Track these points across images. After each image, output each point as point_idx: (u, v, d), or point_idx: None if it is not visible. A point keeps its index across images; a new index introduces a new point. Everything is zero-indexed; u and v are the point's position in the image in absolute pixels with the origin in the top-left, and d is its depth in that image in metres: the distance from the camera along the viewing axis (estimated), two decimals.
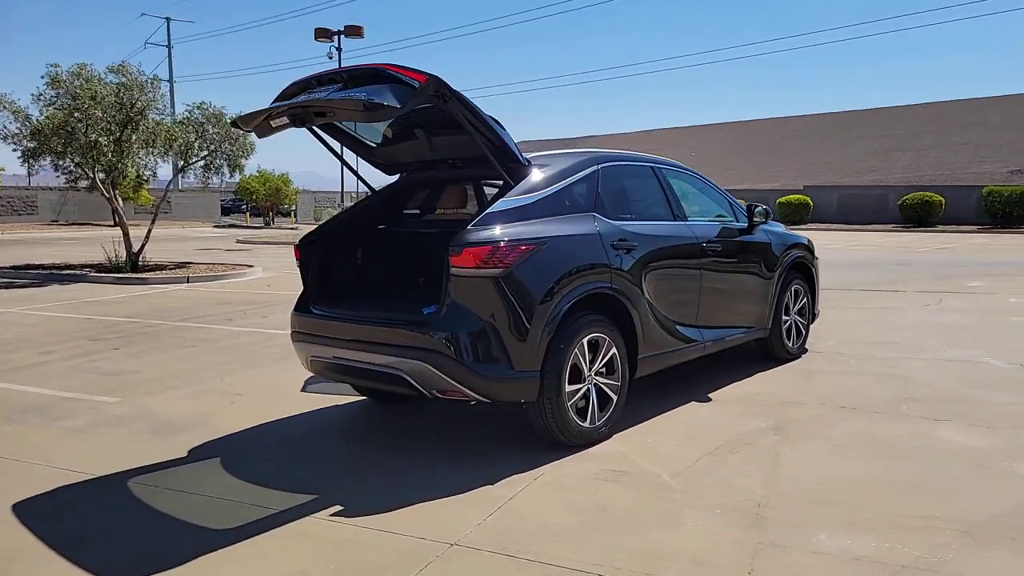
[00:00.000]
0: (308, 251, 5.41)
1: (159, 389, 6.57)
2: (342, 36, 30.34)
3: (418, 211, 5.95)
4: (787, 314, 7.08)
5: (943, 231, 31.84)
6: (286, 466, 4.71)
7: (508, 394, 4.48)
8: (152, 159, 17.85)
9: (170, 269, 16.47)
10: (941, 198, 34.07)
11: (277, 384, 6.69)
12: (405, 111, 4.18)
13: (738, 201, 6.93)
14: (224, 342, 8.69)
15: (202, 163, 18.11)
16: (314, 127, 5.16)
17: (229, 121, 5.23)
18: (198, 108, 17.29)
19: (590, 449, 4.81)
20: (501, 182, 5.06)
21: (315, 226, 5.66)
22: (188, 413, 5.83)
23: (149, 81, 16.52)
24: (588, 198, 5.14)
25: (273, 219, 48.14)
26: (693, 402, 5.86)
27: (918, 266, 16.70)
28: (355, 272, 5.67)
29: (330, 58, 31.07)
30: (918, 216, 33.82)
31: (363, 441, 5.20)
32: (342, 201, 34.32)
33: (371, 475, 4.52)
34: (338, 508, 4.01)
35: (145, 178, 19.67)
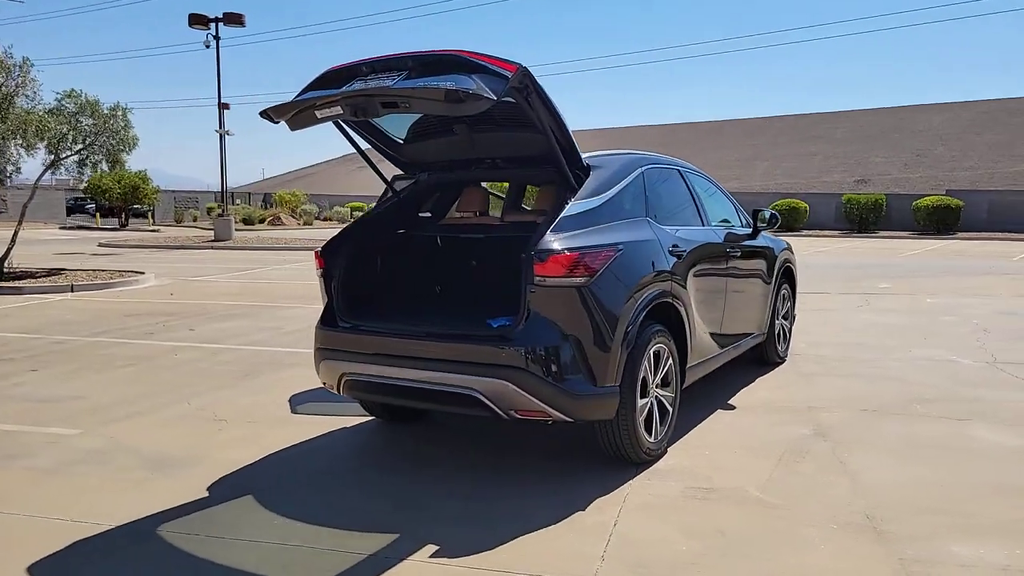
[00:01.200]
0: (333, 259, 4.86)
1: (121, 416, 5.74)
2: (220, 24, 28.44)
3: (448, 215, 5.53)
4: (777, 318, 7.16)
5: (808, 235, 34.10)
6: (332, 500, 4.17)
7: (591, 412, 4.17)
8: (16, 152, 16.06)
9: (42, 277, 14.78)
10: (806, 204, 36.53)
11: (260, 406, 6.02)
12: (490, 103, 3.79)
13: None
14: (163, 360, 7.78)
15: (76, 157, 16.47)
16: (342, 122, 4.65)
17: (259, 112, 4.40)
18: (68, 97, 15.69)
19: (655, 466, 4.58)
20: (553, 184, 4.74)
21: (338, 230, 5.10)
22: (175, 444, 5.10)
23: (17, 64, 14.79)
24: (639, 202, 4.92)
25: (127, 220, 44.71)
26: (719, 411, 5.77)
27: (816, 268, 17.67)
28: (384, 281, 5.16)
29: (207, 46, 29.05)
30: (786, 221, 36.04)
31: (401, 467, 4.72)
32: (223, 202, 32.20)
33: (436, 505, 4.07)
34: (433, 548, 3.56)
35: (8, 173, 17.60)
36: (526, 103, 4.07)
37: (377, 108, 3.96)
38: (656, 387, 4.68)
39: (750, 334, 6.46)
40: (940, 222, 32.89)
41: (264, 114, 4.34)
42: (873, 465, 4.57)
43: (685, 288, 4.98)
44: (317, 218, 45.72)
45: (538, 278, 4.03)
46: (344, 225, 5.15)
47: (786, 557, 3.45)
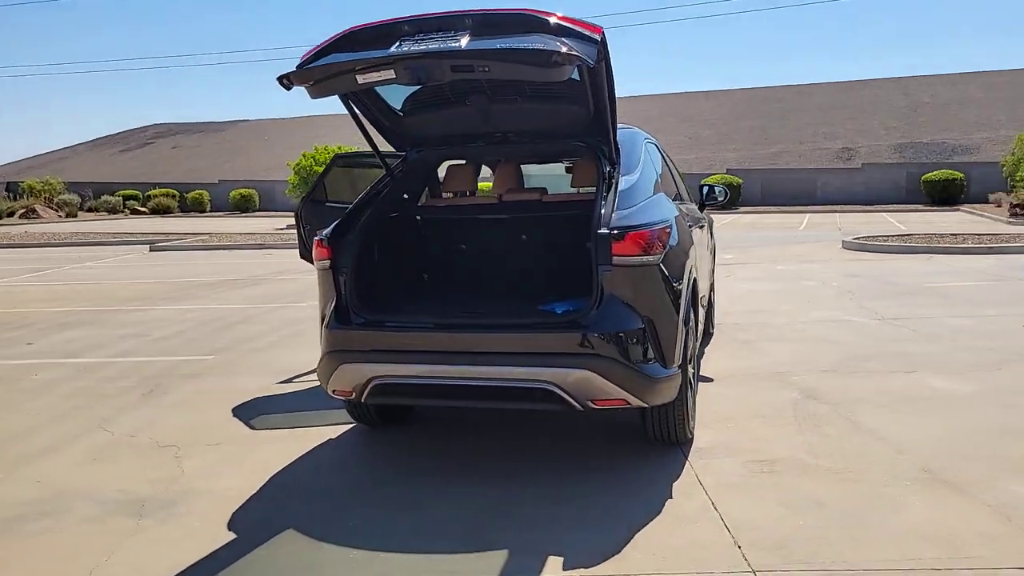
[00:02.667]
0: (342, 247, 4.24)
1: (33, 454, 4.68)
2: None
3: (454, 194, 5.04)
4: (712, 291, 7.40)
5: None
6: (395, 520, 3.66)
7: (664, 395, 3.98)
8: None
9: None
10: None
11: (202, 426, 5.19)
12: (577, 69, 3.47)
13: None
14: (24, 383, 6.48)
15: None
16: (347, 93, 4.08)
17: (277, 77, 3.62)
18: None
19: (694, 445, 4.51)
20: (577, 159, 4.47)
21: (343, 216, 4.43)
22: (135, 481, 4.24)
23: None
24: (653, 176, 4.80)
25: None
26: (700, 383, 5.83)
27: None
28: (397, 269, 4.61)
29: None
30: None
31: (438, 473, 4.24)
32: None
33: (526, 512, 3.71)
34: (558, 559, 3.22)
35: None
36: (591, 70, 3.77)
37: (445, 71, 3.48)
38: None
39: (706, 306, 6.60)
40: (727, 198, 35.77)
41: (283, 78, 3.66)
42: (882, 422, 4.82)
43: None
44: (81, 209, 40.62)
45: (616, 258, 3.77)
46: (349, 208, 4.49)
47: (893, 519, 3.51)
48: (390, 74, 3.50)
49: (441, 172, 5.35)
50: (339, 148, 29.38)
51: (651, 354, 3.85)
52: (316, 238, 4.31)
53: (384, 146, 4.81)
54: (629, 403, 3.86)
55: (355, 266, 4.22)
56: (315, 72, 3.59)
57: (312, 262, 6.30)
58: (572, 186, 5.02)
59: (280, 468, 4.36)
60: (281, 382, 6.29)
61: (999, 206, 26.48)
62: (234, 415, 5.42)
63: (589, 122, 4.18)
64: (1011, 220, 22.37)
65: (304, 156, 30.00)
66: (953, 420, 4.84)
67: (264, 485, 4.13)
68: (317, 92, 3.73)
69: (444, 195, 5.17)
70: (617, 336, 3.74)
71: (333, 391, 4.26)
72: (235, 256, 17.76)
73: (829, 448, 4.40)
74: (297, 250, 6.44)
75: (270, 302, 10.52)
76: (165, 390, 6.11)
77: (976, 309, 8.46)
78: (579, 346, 3.74)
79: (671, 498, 3.80)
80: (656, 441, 4.40)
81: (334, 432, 4.96)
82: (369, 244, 4.40)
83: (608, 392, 3.78)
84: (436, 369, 3.90)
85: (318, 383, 6.28)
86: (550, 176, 7.00)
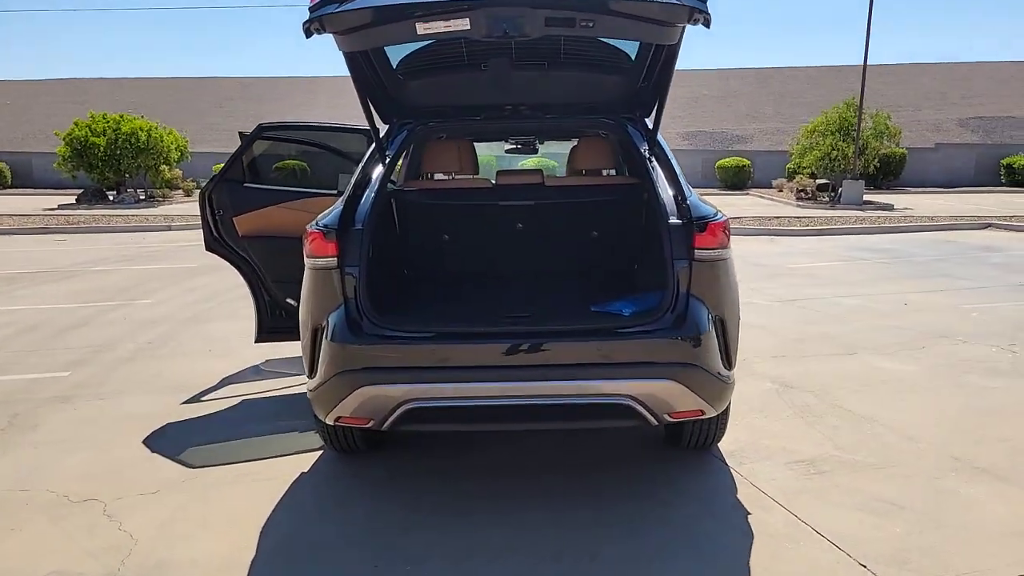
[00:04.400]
0: (350, 240, 3.40)
1: None
2: None
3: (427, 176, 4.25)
4: None
5: None
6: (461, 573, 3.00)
7: (728, 401, 3.62)
8: None
9: None
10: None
11: (115, 468, 4.13)
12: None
13: None
14: None
15: None
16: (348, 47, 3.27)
17: (304, 22, 2.59)
18: None
19: (722, 448, 4.23)
20: (600, 138, 3.96)
21: (340, 207, 3.53)
22: (72, 558, 3.22)
23: None
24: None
25: None
26: None
27: None
28: (407, 267, 3.82)
29: None
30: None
31: (461, 510, 3.58)
32: None
33: (598, 558, 3.19)
34: None
35: None
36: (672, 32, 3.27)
37: (538, 24, 2.82)
38: None
39: None
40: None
41: (312, 23, 2.78)
42: (871, 408, 4.83)
43: None
44: None
45: (698, 251, 3.33)
46: (341, 196, 3.60)
47: (974, 517, 3.45)
48: (464, 24, 2.78)
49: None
50: (120, 117, 26.00)
51: (728, 358, 3.47)
52: (313, 229, 3.44)
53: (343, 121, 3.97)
54: (703, 414, 3.46)
55: (366, 264, 3.42)
56: (358, 16, 2.78)
57: (221, 253, 5.27)
58: (576, 168, 4.49)
59: (260, 520, 3.48)
60: (186, 402, 5.18)
61: (781, 191, 29.24)
62: (152, 450, 4.33)
63: (631, 95, 3.69)
64: (798, 203, 24.73)
65: (77, 124, 26.08)
66: (928, 403, 4.95)
67: (258, 548, 3.25)
68: (353, 43, 2.90)
69: (426, 177, 4.43)
70: (698, 339, 3.31)
71: (338, 420, 3.44)
72: (13, 243, 14.98)
73: (850, 441, 4.30)
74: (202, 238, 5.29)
75: (100, 300, 8.87)
76: (31, 422, 4.80)
77: (853, 289, 9.03)
78: (663, 353, 3.26)
79: (750, 513, 3.47)
80: (689, 448, 4.06)
81: (298, 465, 4.09)
82: (376, 236, 3.61)
83: (688, 403, 3.35)
84: (492, 388, 3.24)
85: (231, 399, 5.36)
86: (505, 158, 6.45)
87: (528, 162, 16.89)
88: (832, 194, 24.43)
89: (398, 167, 4.62)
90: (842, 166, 25.08)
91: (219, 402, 5.17)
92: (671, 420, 3.39)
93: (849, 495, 3.64)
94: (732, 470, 3.94)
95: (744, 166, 33.53)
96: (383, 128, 4.11)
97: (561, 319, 3.44)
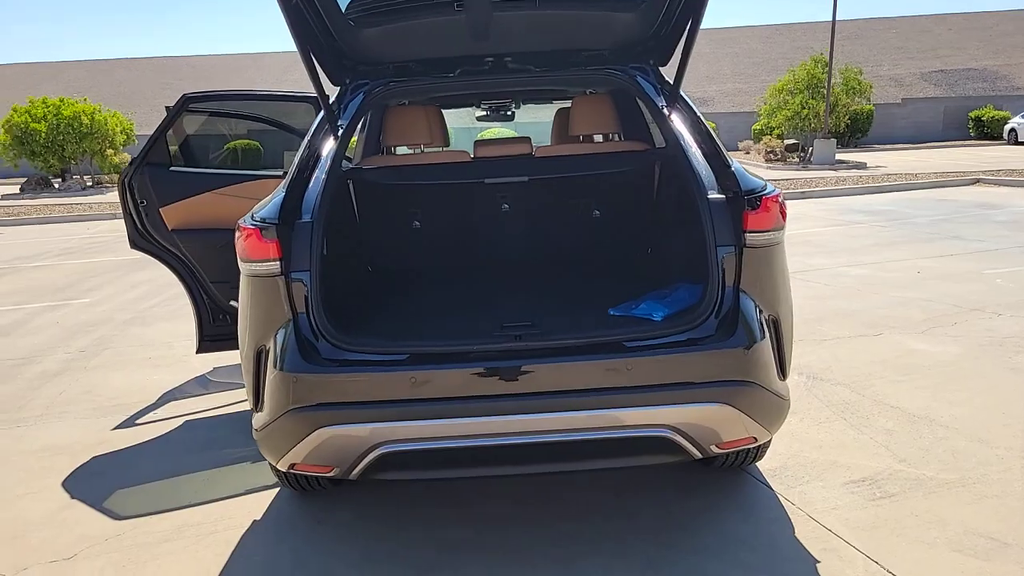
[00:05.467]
0: (296, 237, 2.60)
1: None
2: None
3: (389, 150, 3.43)
4: None
5: None
6: None
7: (783, 423, 2.90)
8: None
9: None
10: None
11: (27, 521, 3.29)
12: None
13: None
14: None
15: None
16: None
17: None
18: None
19: (763, 464, 3.53)
20: (605, 97, 3.18)
21: (281, 194, 2.71)
22: None
23: None
24: None
25: None
26: None
27: None
28: (371, 266, 3.03)
29: None
30: None
31: (477, 558, 2.84)
32: None
33: None
34: None
35: None
36: None
37: None
38: None
39: None
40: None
41: None
42: (919, 402, 4.17)
43: None
44: None
45: (749, 235, 2.59)
46: (265, 180, 2.76)
47: None
48: None
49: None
50: (61, 101, 24.53)
51: (779, 367, 2.74)
52: (247, 225, 2.62)
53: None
54: (757, 441, 2.74)
55: (319, 266, 2.62)
56: None
57: (149, 251, 4.41)
58: (570, 134, 3.70)
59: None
60: (118, 427, 4.36)
61: (748, 153, 28.66)
62: (72, 496, 3.53)
63: (646, 38, 2.91)
64: (768, 165, 24.15)
65: (15, 111, 24.50)
66: (984, 393, 4.31)
67: None
68: None
69: (388, 151, 3.62)
70: (753, 349, 2.58)
71: (292, 467, 2.67)
72: None
73: (912, 449, 3.63)
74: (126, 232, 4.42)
75: (32, 301, 7.93)
76: None
77: (857, 257, 8.39)
78: (709, 369, 2.53)
79: (819, 561, 2.77)
80: (723, 468, 3.36)
81: (250, 509, 3.31)
82: (331, 229, 2.81)
83: (740, 431, 2.63)
84: (490, 424, 2.48)
85: (171, 421, 4.55)
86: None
87: (496, 132, 15.91)
88: (802, 154, 23.88)
89: (353, 141, 3.81)
90: (813, 124, 24.54)
91: (157, 426, 4.36)
92: (717, 452, 2.67)
93: (935, 528, 2.96)
94: (780, 497, 3.24)
95: (712, 128, 32.96)
96: (334, 93, 3.28)
97: (573, 329, 2.68)
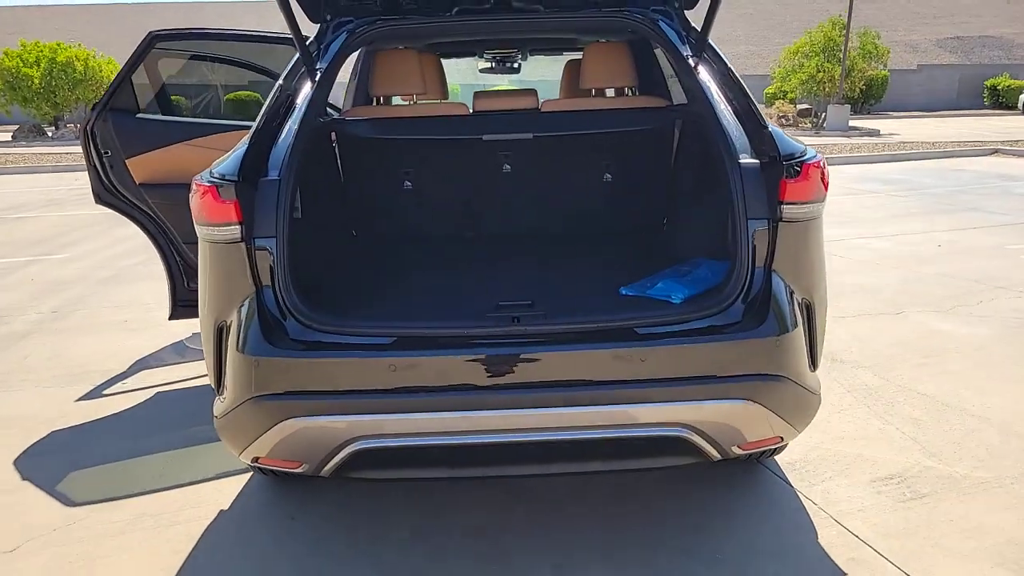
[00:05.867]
0: (260, 198, 2.26)
1: None
2: None
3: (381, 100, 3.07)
4: None
5: None
6: None
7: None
8: None
9: None
10: None
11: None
12: None
13: None
14: None
15: None
16: None
17: None
18: None
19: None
20: (621, 44, 2.79)
21: (243, 147, 2.34)
22: None
23: None
24: None
25: None
26: None
27: None
28: (334, 232, 2.69)
29: None
30: None
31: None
32: None
33: None
34: None
35: None
36: None
37: None
38: None
39: None
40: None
41: None
42: (947, 388, 3.86)
43: None
44: None
45: (787, 206, 2.24)
46: (246, 132, 2.37)
47: None
48: None
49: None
50: (56, 45, 23.87)
51: (810, 357, 2.41)
52: (203, 182, 2.27)
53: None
54: (783, 440, 2.43)
55: (288, 231, 2.27)
56: None
57: (116, 206, 4.06)
58: (581, 86, 3.31)
59: None
60: (82, 398, 4.05)
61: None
62: (22, 477, 3.23)
63: None
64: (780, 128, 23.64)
65: (7, 54, 23.83)
66: (1017, 380, 3.99)
67: None
68: None
69: (378, 102, 3.25)
70: (787, 340, 2.24)
71: (255, 460, 2.36)
72: None
73: (942, 443, 3.32)
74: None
75: (9, 254, 7.60)
76: None
77: (874, 228, 8.02)
78: (734, 361, 2.19)
79: (846, 574, 2.47)
80: (738, 460, 3.05)
81: (218, 497, 3.01)
82: (307, 188, 2.46)
83: (765, 430, 2.32)
84: (482, 419, 2.16)
85: (141, 392, 4.25)
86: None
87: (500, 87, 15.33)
88: (815, 119, 23.28)
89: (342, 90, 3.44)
90: (827, 89, 23.89)
91: (125, 397, 4.05)
92: (740, 453, 2.35)
93: (973, 537, 2.66)
94: (801, 495, 2.94)
95: None
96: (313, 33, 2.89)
97: (579, 311, 2.34)
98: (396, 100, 3.69)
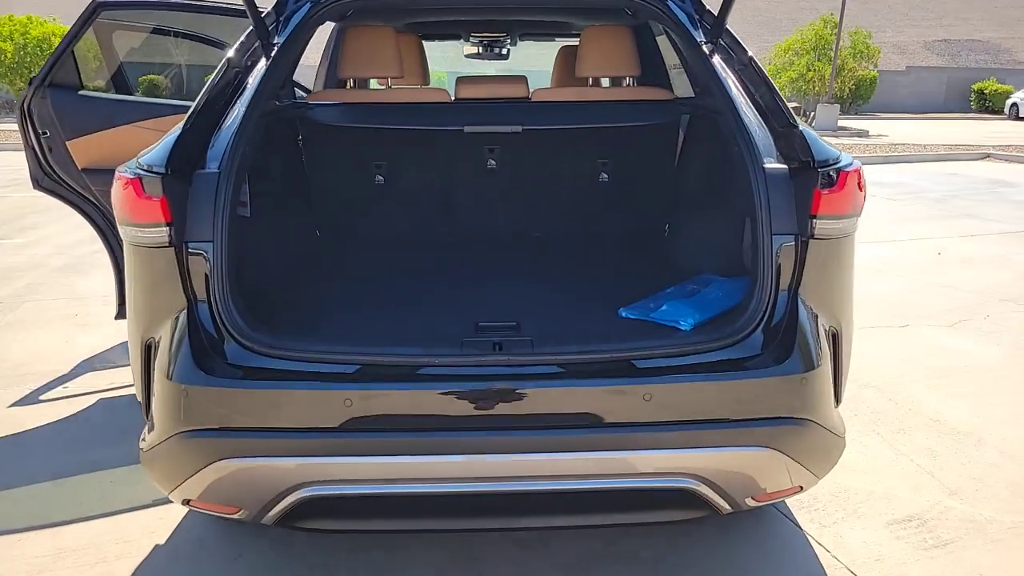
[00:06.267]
0: (194, 193, 1.90)
1: None
2: None
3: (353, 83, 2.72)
4: None
5: None
6: None
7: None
8: None
9: None
10: None
11: None
12: None
13: None
14: None
15: None
16: None
17: None
18: None
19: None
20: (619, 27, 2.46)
21: (176, 132, 1.97)
22: None
23: None
24: None
25: None
26: None
27: None
28: (288, 235, 2.34)
29: None
30: None
31: None
32: None
33: None
34: None
35: None
36: None
37: None
38: None
39: None
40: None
41: None
42: (972, 415, 3.57)
43: None
44: None
45: (820, 221, 1.91)
46: (185, 112, 1.99)
47: None
48: None
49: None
50: (28, 19, 23.14)
51: (836, 393, 2.09)
52: (126, 174, 1.90)
53: None
54: (803, 489, 2.10)
55: (227, 234, 1.91)
56: None
57: (56, 192, 3.68)
58: (577, 75, 2.95)
59: None
60: (16, 403, 3.67)
61: None
62: None
63: None
64: None
65: None
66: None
67: None
68: None
69: (349, 85, 2.89)
70: (814, 377, 1.92)
71: (187, 503, 2.01)
72: None
73: (962, 478, 3.03)
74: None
75: None
76: None
77: (871, 233, 7.71)
78: (754, 401, 1.87)
79: None
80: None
81: (151, 527, 2.65)
82: (258, 185, 2.10)
83: (785, 479, 2.00)
84: (456, 464, 1.82)
85: (83, 398, 3.85)
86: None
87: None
88: (804, 119, 23.09)
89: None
90: (816, 88, 23.69)
91: (65, 404, 3.68)
92: (753, 505, 2.03)
93: None
94: (812, 540, 2.62)
95: None
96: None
97: (572, 336, 2.00)
98: (375, 86, 3.33)
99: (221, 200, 1.90)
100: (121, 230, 1.95)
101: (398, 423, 1.82)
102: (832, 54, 22.73)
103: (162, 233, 1.85)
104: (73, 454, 3.17)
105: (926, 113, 31.48)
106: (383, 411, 1.81)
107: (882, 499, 2.88)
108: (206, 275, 1.89)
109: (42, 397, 3.75)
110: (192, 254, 1.89)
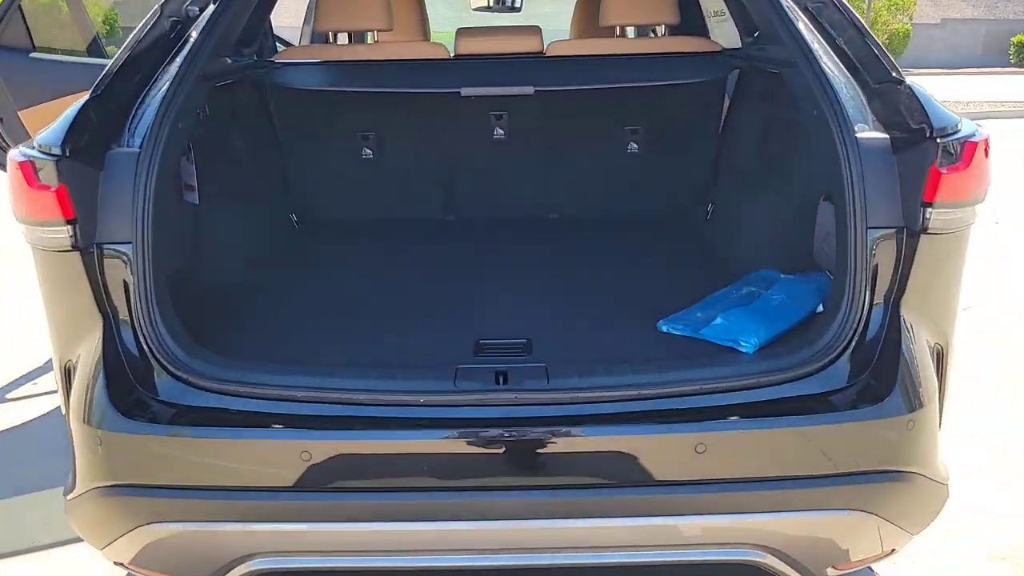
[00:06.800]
0: (110, 182, 1.47)
1: None
2: None
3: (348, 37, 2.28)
4: None
5: None
6: None
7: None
8: None
9: None
10: None
11: None
12: None
13: None
14: None
15: None
16: None
17: None
18: None
19: None
20: None
21: (80, 102, 1.54)
22: None
23: None
24: None
25: None
26: None
27: None
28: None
29: None
30: None
31: None
32: None
33: None
34: None
35: None
36: None
37: None
38: None
39: None
40: None
41: None
42: None
43: None
44: None
45: (937, 210, 1.43)
46: (102, 71, 1.56)
47: None
48: None
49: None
50: None
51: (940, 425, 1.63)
52: (19, 158, 1.47)
53: None
54: (895, 551, 1.66)
55: (151, 231, 1.47)
56: None
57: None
58: (601, 24, 2.46)
59: None
60: None
61: None
62: None
63: None
64: None
65: None
66: None
67: None
68: None
69: (328, 40, 2.43)
70: (923, 417, 1.46)
71: (119, 564, 1.61)
72: None
73: None
74: None
75: None
76: None
77: None
78: (846, 453, 1.42)
79: None
80: None
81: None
82: (203, 165, 1.67)
83: (875, 545, 1.55)
84: (453, 534, 1.40)
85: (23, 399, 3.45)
86: None
87: None
88: None
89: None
90: None
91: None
92: (832, 575, 1.59)
93: None
94: None
95: None
96: None
97: (599, 361, 1.54)
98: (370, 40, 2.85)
99: (143, 187, 1.46)
100: (21, 229, 1.53)
101: (371, 480, 1.40)
102: (865, 7, 21.72)
103: (62, 233, 1.42)
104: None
105: (962, 68, 30.27)
106: (351, 466, 1.39)
107: (984, 523, 2.44)
108: (127, 285, 1.46)
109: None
110: (108, 258, 1.46)
